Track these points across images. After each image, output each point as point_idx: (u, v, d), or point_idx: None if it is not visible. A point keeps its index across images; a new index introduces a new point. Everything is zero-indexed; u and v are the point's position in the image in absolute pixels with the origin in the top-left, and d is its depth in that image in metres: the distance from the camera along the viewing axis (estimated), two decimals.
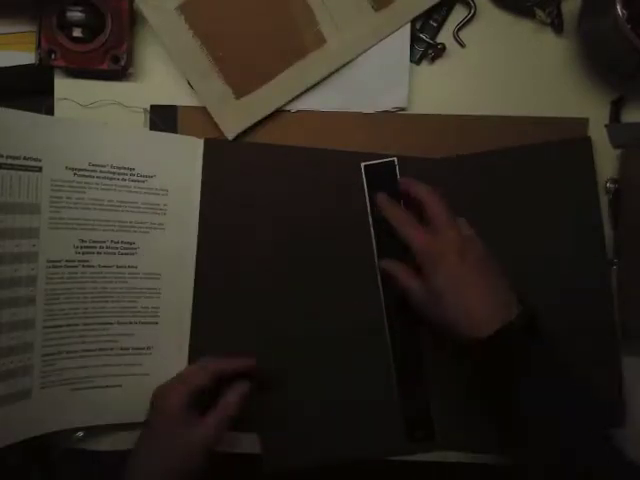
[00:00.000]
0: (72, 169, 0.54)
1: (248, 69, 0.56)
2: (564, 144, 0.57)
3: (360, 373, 0.57)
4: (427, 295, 0.49)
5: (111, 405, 0.56)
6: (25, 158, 0.52)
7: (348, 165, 0.57)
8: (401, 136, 0.58)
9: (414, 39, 0.57)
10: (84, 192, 0.54)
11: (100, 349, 0.55)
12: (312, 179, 0.57)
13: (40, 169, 0.52)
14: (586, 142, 0.57)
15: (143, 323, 0.56)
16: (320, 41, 0.56)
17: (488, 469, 0.57)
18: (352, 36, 0.56)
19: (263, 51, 0.56)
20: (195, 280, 0.57)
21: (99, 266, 0.55)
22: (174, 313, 0.57)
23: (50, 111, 0.57)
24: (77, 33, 0.55)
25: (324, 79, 0.57)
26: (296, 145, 0.58)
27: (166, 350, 0.57)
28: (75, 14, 0.55)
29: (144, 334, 0.56)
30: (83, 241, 0.54)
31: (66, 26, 0.55)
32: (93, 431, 0.56)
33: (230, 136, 0.57)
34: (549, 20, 0.57)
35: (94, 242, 0.54)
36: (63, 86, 0.57)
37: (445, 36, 0.58)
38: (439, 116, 0.58)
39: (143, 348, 0.56)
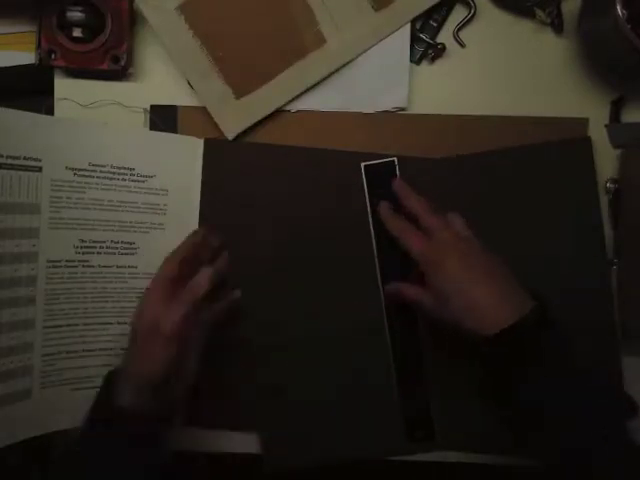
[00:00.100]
0: (72, 169, 0.54)
1: (248, 69, 0.56)
2: (564, 144, 0.57)
3: (360, 373, 0.57)
4: (435, 301, 0.49)
5: None
6: (25, 158, 0.52)
7: (348, 165, 0.57)
8: (401, 136, 0.58)
9: (414, 39, 0.57)
10: (84, 192, 0.54)
11: (100, 349, 0.55)
12: (312, 179, 0.57)
13: (40, 169, 0.52)
14: (586, 142, 0.57)
15: None
16: (320, 41, 0.56)
17: (488, 469, 0.57)
18: (352, 36, 0.56)
19: (263, 51, 0.56)
20: None
21: (99, 266, 0.55)
22: None
23: (50, 111, 0.57)
24: (77, 33, 0.55)
25: (324, 79, 0.57)
26: (296, 145, 0.58)
27: None
28: (75, 14, 0.55)
29: None
30: (83, 241, 0.54)
31: (66, 26, 0.55)
32: None
33: (230, 136, 0.57)
34: (549, 20, 0.57)
35: (94, 242, 0.54)
36: (63, 86, 0.57)
37: (445, 36, 0.58)
38: (439, 116, 0.58)
39: None
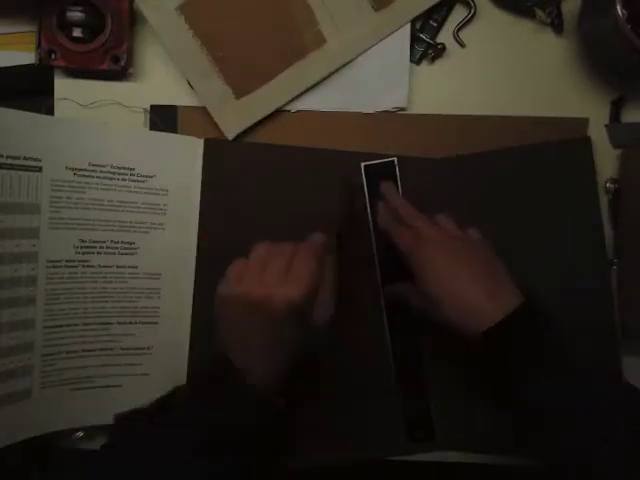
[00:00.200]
0: (72, 169, 0.54)
1: (248, 69, 0.56)
2: (564, 144, 0.57)
3: (360, 373, 0.57)
4: (424, 301, 0.49)
5: (111, 405, 0.55)
6: (25, 158, 0.52)
7: (348, 165, 0.57)
8: (401, 136, 0.58)
9: (414, 39, 0.57)
10: (84, 192, 0.54)
11: (100, 349, 0.55)
12: (312, 179, 0.57)
13: (40, 169, 0.52)
14: (586, 142, 0.57)
15: (143, 323, 0.56)
16: (320, 41, 0.56)
17: (488, 469, 0.57)
18: (352, 36, 0.57)
19: (263, 51, 0.56)
20: (195, 280, 0.57)
21: (99, 266, 0.55)
22: (174, 313, 0.57)
23: (50, 111, 0.57)
24: (77, 33, 0.55)
25: (324, 79, 0.57)
26: (296, 145, 0.58)
27: (166, 350, 0.57)
28: (75, 14, 0.55)
29: (144, 334, 0.56)
30: (83, 241, 0.54)
31: (66, 26, 0.55)
32: (93, 431, 0.56)
33: (230, 136, 0.57)
34: (549, 20, 0.57)
35: (94, 242, 0.54)
36: (63, 86, 0.57)
37: (445, 36, 0.58)
38: (439, 116, 0.58)
39: (143, 348, 0.56)
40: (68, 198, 0.53)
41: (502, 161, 0.57)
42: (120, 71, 0.56)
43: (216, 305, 0.47)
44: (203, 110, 0.57)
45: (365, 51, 0.57)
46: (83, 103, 0.57)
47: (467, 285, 0.47)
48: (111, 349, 0.55)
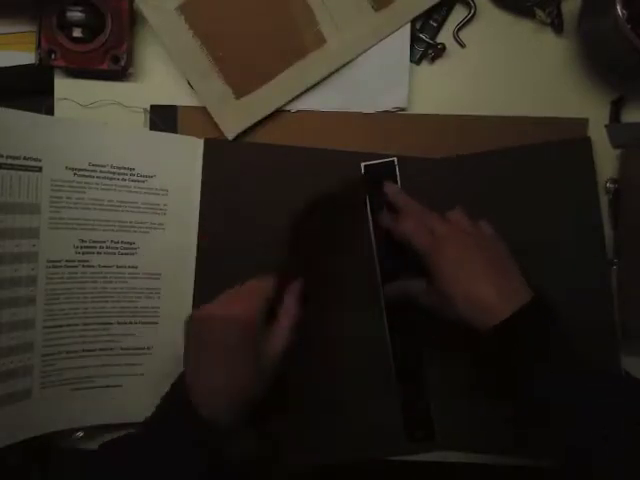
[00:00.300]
0: (72, 169, 0.54)
1: (248, 69, 0.56)
2: (564, 144, 0.57)
3: (360, 373, 0.57)
4: (438, 298, 0.49)
5: (111, 405, 0.56)
6: (25, 158, 0.52)
7: (348, 165, 0.57)
8: (401, 136, 0.58)
9: (414, 39, 0.57)
10: (84, 192, 0.54)
11: (100, 349, 0.55)
12: (312, 179, 0.57)
13: (40, 169, 0.52)
14: (586, 142, 0.57)
15: (143, 323, 0.56)
16: (320, 41, 0.56)
17: (488, 469, 0.57)
18: (352, 36, 0.56)
19: (263, 51, 0.56)
20: (195, 280, 0.57)
21: (99, 266, 0.55)
22: (174, 313, 0.57)
23: (50, 111, 0.57)
24: (77, 33, 0.55)
25: (324, 79, 0.57)
26: (296, 145, 0.58)
27: (166, 350, 0.57)
28: (75, 14, 0.55)
29: (144, 334, 0.56)
30: (83, 241, 0.54)
31: (66, 26, 0.55)
32: (93, 431, 0.56)
33: (230, 136, 0.57)
34: (549, 20, 0.57)
35: (94, 242, 0.54)
36: (63, 86, 0.57)
37: (445, 36, 0.58)
38: (439, 116, 0.58)
39: (143, 348, 0.56)
40: (68, 198, 0.53)
41: (502, 161, 0.57)
42: (120, 71, 0.56)
43: (184, 335, 0.48)
44: (203, 110, 0.57)
45: (365, 51, 0.57)
46: (83, 103, 0.57)
47: (480, 283, 0.47)
48: (111, 349, 0.55)
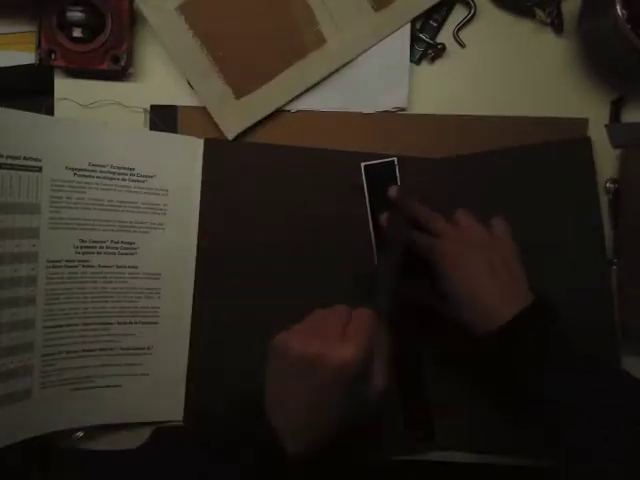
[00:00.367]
0: (72, 169, 0.54)
1: (248, 69, 0.56)
2: (564, 144, 0.57)
3: None
4: (442, 302, 0.50)
5: (111, 405, 0.56)
6: (25, 158, 0.52)
7: (348, 165, 0.57)
8: (401, 136, 0.58)
9: (414, 39, 0.57)
10: (84, 192, 0.54)
11: (100, 349, 0.55)
12: (312, 179, 0.57)
13: (40, 169, 0.52)
14: (586, 142, 0.57)
15: (143, 323, 0.56)
16: (320, 41, 0.56)
17: (488, 469, 0.57)
18: (352, 36, 0.57)
19: (263, 51, 0.56)
20: (195, 280, 0.57)
21: (99, 266, 0.55)
22: (174, 313, 0.57)
23: (50, 111, 0.57)
24: (77, 33, 0.55)
25: (324, 79, 0.57)
26: (296, 145, 0.58)
27: (166, 350, 0.57)
28: (75, 14, 0.55)
29: (144, 334, 0.56)
30: (83, 241, 0.54)
31: (66, 26, 0.55)
32: (93, 431, 0.56)
33: (230, 136, 0.57)
34: (549, 20, 0.57)
35: (94, 242, 0.54)
36: (63, 86, 0.57)
37: (445, 36, 0.58)
38: (439, 116, 0.58)
39: (143, 348, 0.56)
40: (68, 198, 0.53)
41: (502, 161, 0.57)
42: (120, 71, 0.56)
43: (270, 353, 0.43)
44: (203, 110, 0.57)
45: (365, 51, 0.57)
46: (83, 103, 0.57)
47: (483, 286, 0.48)
48: (111, 349, 0.55)
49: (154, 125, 0.57)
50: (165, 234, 0.56)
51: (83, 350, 0.55)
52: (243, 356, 0.56)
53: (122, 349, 0.56)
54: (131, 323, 0.56)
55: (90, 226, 0.54)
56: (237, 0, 0.55)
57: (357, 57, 0.57)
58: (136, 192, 0.55)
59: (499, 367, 0.48)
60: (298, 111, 0.58)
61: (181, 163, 0.57)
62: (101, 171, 0.54)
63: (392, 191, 0.54)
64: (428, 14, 0.57)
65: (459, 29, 0.58)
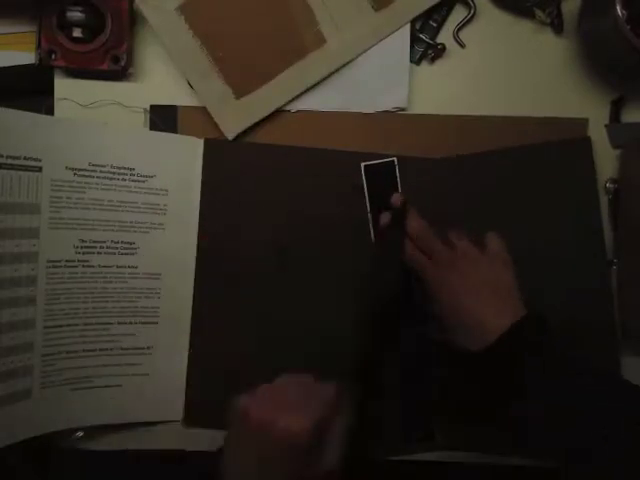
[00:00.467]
0: (72, 169, 0.54)
1: (248, 69, 0.56)
2: (564, 144, 0.57)
3: None
4: (436, 321, 0.50)
5: (111, 405, 0.56)
6: (25, 158, 0.52)
7: (348, 165, 0.57)
8: (401, 136, 0.58)
9: (414, 39, 0.57)
10: (84, 192, 0.54)
11: (100, 349, 0.55)
12: (312, 179, 0.57)
13: (40, 169, 0.52)
14: (586, 142, 0.57)
15: (143, 323, 0.56)
16: (320, 41, 0.56)
17: (488, 469, 0.57)
18: (352, 36, 0.56)
19: (263, 51, 0.56)
20: (195, 280, 0.57)
21: (99, 266, 0.55)
22: (174, 313, 0.57)
23: (50, 111, 0.57)
24: (77, 33, 0.55)
25: (324, 79, 0.57)
26: (296, 145, 0.58)
27: (166, 350, 0.57)
28: (75, 14, 0.55)
29: (144, 334, 0.56)
30: (83, 241, 0.54)
31: (66, 26, 0.55)
32: (93, 431, 0.56)
33: (230, 136, 0.57)
34: (549, 20, 0.57)
35: (94, 242, 0.54)
36: (63, 86, 0.57)
37: (445, 36, 0.58)
38: (439, 116, 0.58)
39: (143, 348, 0.56)
40: (68, 198, 0.53)
41: (502, 161, 0.57)
42: (120, 71, 0.56)
43: (230, 416, 0.43)
44: (203, 110, 0.57)
45: (365, 51, 0.57)
46: (83, 103, 0.57)
47: (476, 308, 0.48)
48: (111, 349, 0.55)
49: (154, 125, 0.57)
50: (165, 234, 0.56)
51: (83, 350, 0.55)
52: (243, 356, 0.56)
53: (122, 349, 0.56)
54: (131, 323, 0.56)
55: (90, 226, 0.54)
56: (237, 0, 0.55)
57: (357, 57, 0.57)
58: (136, 192, 0.55)
59: (492, 383, 0.48)
60: (298, 111, 0.58)
61: (181, 163, 0.57)
62: (101, 171, 0.54)
63: (395, 199, 0.54)
64: (428, 14, 0.57)
65: (459, 29, 0.58)
